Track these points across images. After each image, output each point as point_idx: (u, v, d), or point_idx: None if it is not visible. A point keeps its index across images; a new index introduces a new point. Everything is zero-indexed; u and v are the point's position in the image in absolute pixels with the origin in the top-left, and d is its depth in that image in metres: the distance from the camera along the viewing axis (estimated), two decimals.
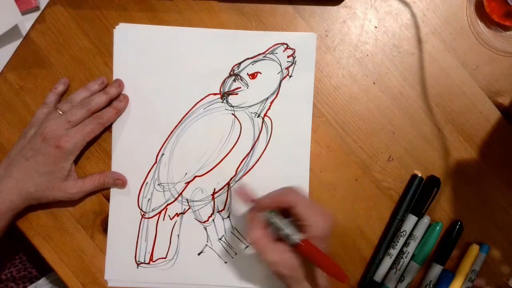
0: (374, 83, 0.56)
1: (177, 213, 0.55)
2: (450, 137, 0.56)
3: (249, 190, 0.48)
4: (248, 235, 0.45)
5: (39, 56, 0.55)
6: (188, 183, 0.55)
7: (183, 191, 0.55)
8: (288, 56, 0.56)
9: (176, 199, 0.55)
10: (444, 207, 0.56)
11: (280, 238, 0.45)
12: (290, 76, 0.56)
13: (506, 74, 0.56)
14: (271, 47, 0.56)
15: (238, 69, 0.55)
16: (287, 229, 0.44)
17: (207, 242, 0.55)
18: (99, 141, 0.55)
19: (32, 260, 0.68)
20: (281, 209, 0.45)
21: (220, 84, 0.55)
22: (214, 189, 0.55)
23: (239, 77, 0.55)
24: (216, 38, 0.55)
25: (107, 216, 0.55)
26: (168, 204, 0.55)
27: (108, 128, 0.54)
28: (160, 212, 0.55)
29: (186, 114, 0.55)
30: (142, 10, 0.55)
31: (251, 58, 0.55)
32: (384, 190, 0.56)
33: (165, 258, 0.55)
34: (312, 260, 0.42)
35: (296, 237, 0.44)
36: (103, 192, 0.55)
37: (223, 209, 0.55)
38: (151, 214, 0.55)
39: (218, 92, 0.55)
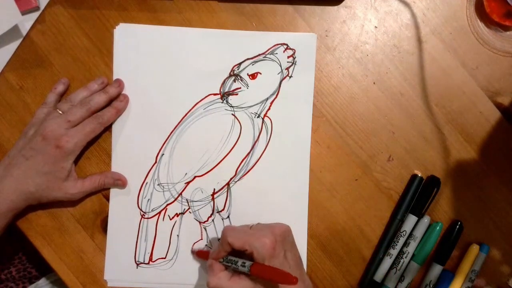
0: (374, 83, 0.56)
1: (176, 213, 0.55)
2: (450, 137, 0.56)
3: (204, 250, 0.55)
4: (207, 283, 0.47)
5: (39, 56, 0.55)
6: (188, 183, 0.55)
7: (183, 191, 0.55)
8: (288, 57, 0.56)
9: (176, 199, 0.55)
10: (444, 207, 0.56)
11: (242, 274, 0.47)
12: (290, 77, 0.56)
13: (506, 74, 0.56)
14: (271, 48, 0.56)
15: (238, 69, 0.55)
16: (239, 262, 0.46)
17: (207, 242, 0.55)
18: (99, 141, 0.55)
19: (32, 260, 0.68)
20: (230, 252, 0.48)
21: (220, 84, 0.55)
22: (214, 189, 0.55)
23: (239, 78, 0.55)
24: (216, 38, 0.55)
25: (107, 216, 0.55)
26: (168, 204, 0.55)
27: (108, 128, 0.54)
28: (159, 212, 0.55)
29: (186, 114, 0.55)
30: (142, 10, 0.55)
31: (251, 58, 0.55)
32: (384, 190, 0.56)
33: (164, 258, 0.55)
34: (267, 279, 0.43)
35: (247, 264, 0.45)
36: (103, 192, 0.55)
37: (223, 210, 0.55)
38: (151, 214, 0.55)
39: (218, 92, 0.55)
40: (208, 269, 0.48)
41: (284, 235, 0.47)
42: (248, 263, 0.45)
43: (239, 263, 0.46)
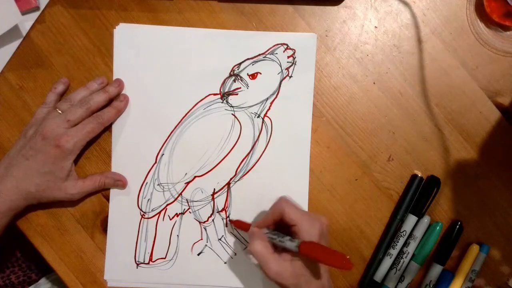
0: (374, 83, 0.56)
1: (176, 213, 0.55)
2: (450, 137, 0.56)
3: (243, 220, 0.53)
4: (249, 248, 0.46)
5: (39, 56, 0.55)
6: (188, 183, 0.55)
7: (183, 191, 0.55)
8: (288, 57, 0.56)
9: (176, 199, 0.55)
10: (444, 207, 0.56)
11: (283, 250, 0.46)
12: (290, 77, 0.56)
13: (506, 74, 0.56)
14: (271, 48, 0.56)
15: (238, 69, 0.55)
16: (286, 237, 0.45)
17: (207, 242, 0.55)
18: (99, 141, 0.55)
19: (31, 261, 0.68)
20: (277, 222, 0.48)
21: (220, 84, 0.55)
22: (214, 189, 0.55)
23: (239, 77, 0.55)
24: (216, 38, 0.55)
25: (107, 216, 0.55)
26: (167, 204, 0.55)
27: (108, 128, 0.54)
28: (159, 212, 0.55)
29: (186, 114, 0.55)
30: (142, 10, 0.55)
31: (251, 58, 0.55)
32: (384, 190, 0.56)
33: (164, 258, 0.55)
34: (316, 257, 0.42)
35: (296, 241, 0.44)
36: (103, 192, 0.55)
37: (223, 210, 0.55)
38: (151, 214, 0.55)
39: (218, 92, 0.55)
40: (250, 236, 0.48)
41: (328, 227, 0.47)
42: (297, 240, 0.44)
43: (287, 237, 0.45)
